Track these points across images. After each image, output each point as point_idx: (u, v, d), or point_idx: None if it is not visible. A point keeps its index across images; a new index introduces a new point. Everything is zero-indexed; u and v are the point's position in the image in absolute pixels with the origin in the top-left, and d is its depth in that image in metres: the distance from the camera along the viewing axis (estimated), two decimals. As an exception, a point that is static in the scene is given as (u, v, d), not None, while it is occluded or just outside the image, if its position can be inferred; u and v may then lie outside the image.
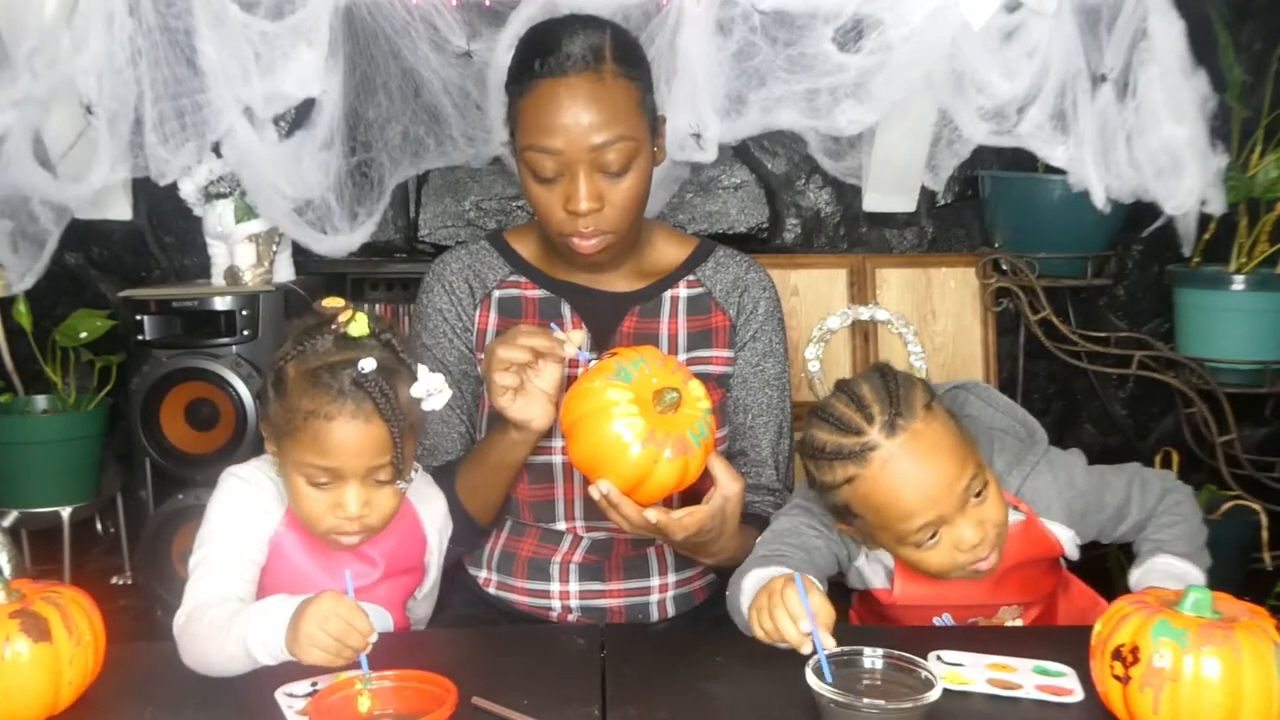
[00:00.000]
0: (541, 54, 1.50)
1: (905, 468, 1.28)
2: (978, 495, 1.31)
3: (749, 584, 1.33)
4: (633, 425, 1.27)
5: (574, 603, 1.61)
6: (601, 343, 1.59)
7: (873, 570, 1.47)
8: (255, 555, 1.35)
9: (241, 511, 1.37)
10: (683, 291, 1.66)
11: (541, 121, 1.47)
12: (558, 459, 1.58)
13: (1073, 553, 1.46)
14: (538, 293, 1.66)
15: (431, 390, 1.33)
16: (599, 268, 1.63)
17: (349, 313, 1.32)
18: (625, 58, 1.52)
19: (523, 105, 1.50)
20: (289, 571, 1.37)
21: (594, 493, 1.31)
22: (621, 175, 1.50)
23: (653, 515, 1.32)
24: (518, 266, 1.67)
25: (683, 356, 1.63)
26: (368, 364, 1.27)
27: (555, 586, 1.61)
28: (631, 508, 1.31)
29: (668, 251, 1.69)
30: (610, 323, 1.63)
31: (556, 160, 1.48)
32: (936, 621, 1.47)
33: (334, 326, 1.31)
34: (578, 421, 1.31)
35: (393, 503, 1.35)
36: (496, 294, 1.66)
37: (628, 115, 1.49)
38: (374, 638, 1.16)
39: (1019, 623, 1.50)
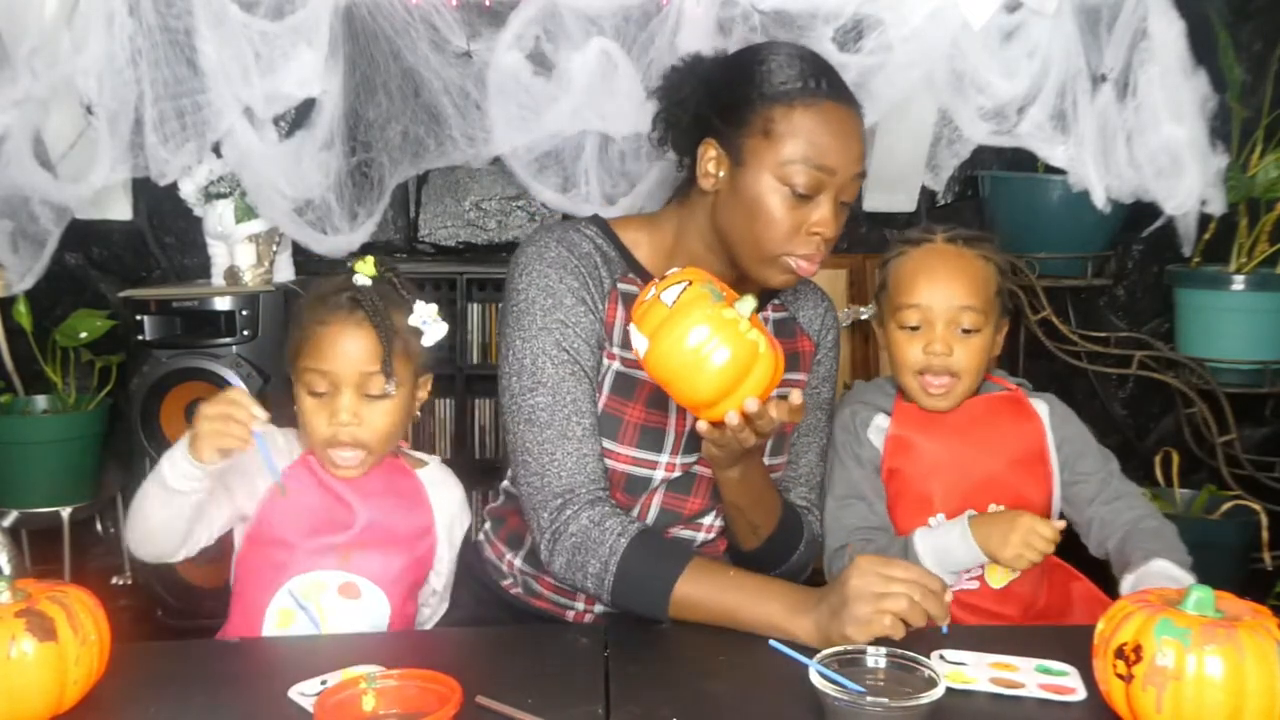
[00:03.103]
0: (816, 73, 1.47)
1: (933, 262, 1.58)
2: (966, 331, 1.56)
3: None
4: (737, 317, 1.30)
5: (597, 608, 1.59)
6: None
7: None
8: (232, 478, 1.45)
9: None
10: (770, 314, 1.65)
11: (824, 141, 1.44)
12: (658, 475, 1.54)
13: (1051, 437, 1.62)
14: None
15: (427, 320, 1.45)
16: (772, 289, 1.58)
17: (362, 258, 1.48)
18: None
19: (798, 116, 1.44)
20: (293, 512, 1.45)
21: (731, 417, 1.29)
22: (845, 208, 1.50)
23: (785, 406, 1.34)
24: (631, 265, 1.59)
25: None
26: (361, 279, 1.44)
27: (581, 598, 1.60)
28: (769, 414, 1.32)
29: None
30: None
31: (826, 180, 1.44)
32: (932, 522, 1.55)
33: (347, 266, 1.47)
34: (690, 326, 1.29)
35: (384, 420, 1.44)
36: (621, 288, 1.56)
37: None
38: (260, 413, 1.33)
39: (1015, 574, 1.55)
